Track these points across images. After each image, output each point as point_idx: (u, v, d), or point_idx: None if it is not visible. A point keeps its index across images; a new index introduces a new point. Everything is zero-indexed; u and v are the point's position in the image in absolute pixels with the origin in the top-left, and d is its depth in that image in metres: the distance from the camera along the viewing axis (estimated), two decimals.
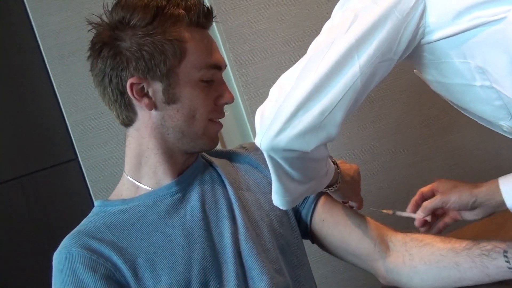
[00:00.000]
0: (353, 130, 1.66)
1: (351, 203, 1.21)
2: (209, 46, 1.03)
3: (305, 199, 1.12)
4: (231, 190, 1.07)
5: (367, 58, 0.84)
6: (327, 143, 0.91)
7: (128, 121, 1.04)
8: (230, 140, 1.63)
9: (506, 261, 0.88)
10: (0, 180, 1.51)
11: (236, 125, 1.64)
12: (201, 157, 1.13)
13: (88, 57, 1.03)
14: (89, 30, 1.02)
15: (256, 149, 1.18)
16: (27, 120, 1.54)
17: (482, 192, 1.02)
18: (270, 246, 1.03)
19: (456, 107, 1.03)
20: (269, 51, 1.62)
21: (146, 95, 0.99)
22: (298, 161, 0.90)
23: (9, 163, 1.52)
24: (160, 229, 0.99)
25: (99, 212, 1.04)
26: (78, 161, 1.52)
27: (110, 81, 1.00)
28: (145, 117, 1.01)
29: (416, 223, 1.07)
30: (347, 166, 1.16)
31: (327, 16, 0.93)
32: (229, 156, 1.18)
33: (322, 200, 1.12)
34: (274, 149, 0.87)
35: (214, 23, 1.58)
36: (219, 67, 1.04)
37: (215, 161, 1.14)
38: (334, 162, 1.11)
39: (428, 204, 1.06)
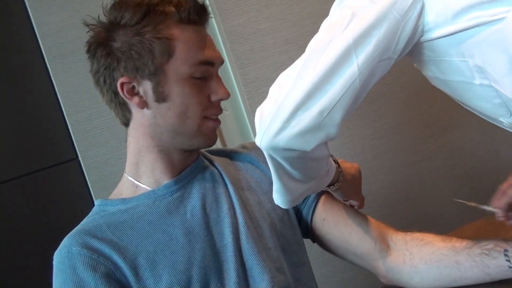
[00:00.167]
0: (353, 129, 1.66)
1: (352, 202, 1.21)
2: (200, 42, 1.01)
3: (306, 198, 1.12)
4: (232, 189, 1.07)
5: (365, 57, 0.84)
6: (327, 142, 0.91)
7: (126, 120, 1.05)
8: (230, 139, 1.63)
9: (507, 260, 0.88)
10: (0, 179, 1.51)
11: (237, 124, 1.64)
12: (201, 156, 1.13)
13: (88, 58, 1.04)
14: (87, 32, 1.03)
15: (256, 148, 1.17)
16: (27, 120, 1.54)
17: None
18: (271, 245, 1.03)
19: (457, 101, 1.03)
20: (270, 50, 1.62)
21: (137, 94, 1.00)
22: (299, 160, 0.90)
23: (9, 163, 1.52)
24: (160, 228, 0.99)
25: (99, 212, 1.04)
26: (79, 161, 1.52)
27: (104, 81, 1.01)
28: (139, 116, 1.02)
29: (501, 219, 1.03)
30: (348, 165, 1.16)
31: (327, 15, 0.93)
32: (230, 155, 1.18)
33: (322, 199, 1.12)
34: (274, 148, 0.87)
35: (214, 21, 1.60)
36: (211, 63, 1.02)
37: (216, 159, 1.14)
38: (335, 161, 1.11)
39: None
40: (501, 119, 0.95)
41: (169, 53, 0.98)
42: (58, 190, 1.53)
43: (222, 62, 1.05)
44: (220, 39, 1.61)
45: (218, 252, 0.99)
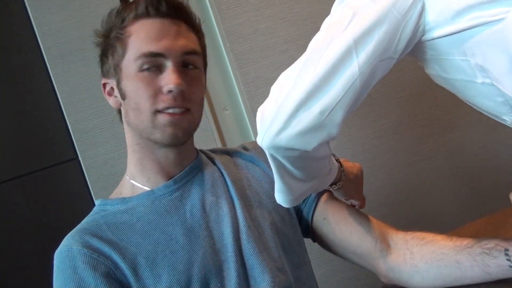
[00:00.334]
0: (354, 129, 1.66)
1: (353, 202, 1.21)
2: (152, 34, 1.00)
3: (307, 197, 1.12)
4: (233, 188, 1.07)
5: (366, 57, 0.84)
6: (329, 141, 0.91)
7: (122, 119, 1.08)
8: (230, 139, 1.63)
9: (508, 260, 0.87)
10: (0, 179, 1.51)
11: (236, 124, 1.64)
12: (202, 154, 1.13)
13: None
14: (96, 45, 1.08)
15: (257, 147, 1.18)
16: (27, 120, 1.54)
17: None
18: (272, 245, 1.03)
19: (461, 99, 1.03)
20: (270, 50, 1.62)
21: (113, 94, 1.05)
22: (300, 160, 0.90)
23: (9, 163, 1.52)
24: (160, 228, 0.99)
25: (100, 211, 1.04)
26: (79, 161, 1.52)
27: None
28: (122, 115, 1.07)
29: None
30: (350, 164, 1.17)
31: (327, 15, 0.93)
32: (231, 154, 1.18)
33: (323, 198, 1.12)
34: (275, 148, 0.87)
35: (214, 21, 1.60)
36: (160, 54, 0.99)
37: (217, 158, 1.14)
38: (338, 160, 1.11)
39: None
40: (504, 117, 0.95)
41: (124, 50, 1.01)
42: (58, 190, 1.53)
43: (183, 52, 1.01)
44: (220, 39, 1.61)
45: (218, 252, 0.99)
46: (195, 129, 1.06)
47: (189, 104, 1.01)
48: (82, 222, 1.03)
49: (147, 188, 1.04)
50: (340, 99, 0.84)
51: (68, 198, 1.53)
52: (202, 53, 1.08)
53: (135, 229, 0.98)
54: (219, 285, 0.96)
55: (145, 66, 0.99)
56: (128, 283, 0.93)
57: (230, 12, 1.60)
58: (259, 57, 1.61)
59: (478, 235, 0.96)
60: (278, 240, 1.05)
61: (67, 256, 0.94)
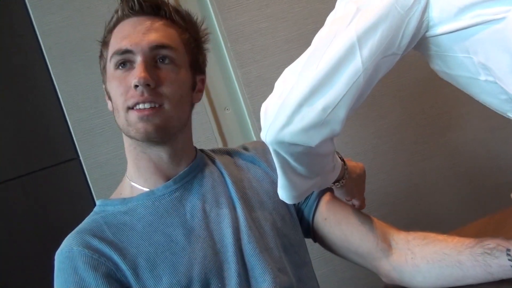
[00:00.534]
0: (354, 128, 1.66)
1: (354, 202, 1.20)
2: (123, 32, 1.02)
3: (307, 197, 1.12)
4: (233, 188, 1.06)
5: (369, 54, 0.84)
6: (333, 138, 0.91)
7: None
8: (231, 138, 1.63)
9: (509, 260, 0.87)
10: (1, 179, 1.51)
11: (238, 123, 1.64)
12: (203, 154, 1.13)
13: None
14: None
15: (257, 147, 1.18)
16: (28, 119, 1.54)
17: None
18: (273, 245, 1.03)
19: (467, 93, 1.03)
20: (271, 49, 1.62)
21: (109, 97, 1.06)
22: (304, 155, 0.90)
23: (10, 163, 1.52)
24: (160, 229, 0.99)
25: (100, 212, 1.04)
26: (79, 160, 1.52)
27: None
28: None
29: None
30: (354, 164, 1.17)
31: (328, 14, 0.93)
32: (232, 154, 1.18)
33: (324, 198, 1.12)
34: (279, 143, 0.88)
35: (214, 21, 1.60)
36: (128, 50, 0.99)
37: (218, 158, 1.14)
38: (341, 158, 1.11)
39: None
40: (509, 114, 0.95)
41: (107, 53, 1.04)
42: (58, 190, 1.53)
43: (151, 46, 0.99)
44: (221, 38, 1.61)
45: (219, 253, 0.99)
46: (176, 127, 1.02)
47: (161, 100, 0.99)
48: (83, 222, 1.03)
49: (145, 189, 1.04)
50: (344, 95, 0.84)
51: (69, 198, 1.53)
52: (187, 48, 1.06)
53: (135, 230, 0.98)
54: (219, 285, 0.95)
55: (117, 64, 1.00)
56: (128, 284, 0.93)
57: (231, 12, 1.60)
58: (260, 56, 1.61)
59: (479, 235, 0.96)
60: (279, 241, 1.05)
61: (68, 256, 0.94)
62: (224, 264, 0.98)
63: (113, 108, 1.04)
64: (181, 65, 1.03)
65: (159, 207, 1.01)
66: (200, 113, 1.55)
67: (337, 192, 1.16)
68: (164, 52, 1.01)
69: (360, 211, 1.12)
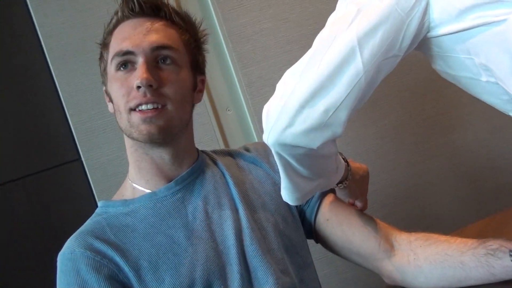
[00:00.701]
0: (356, 129, 1.66)
1: (357, 203, 1.20)
2: (124, 33, 1.02)
3: (309, 198, 1.11)
4: (235, 190, 1.06)
5: (370, 55, 0.84)
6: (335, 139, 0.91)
7: None
8: (233, 139, 1.62)
9: None
10: (3, 180, 1.51)
11: (239, 124, 1.63)
12: (205, 155, 1.13)
13: None
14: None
15: (259, 148, 1.18)
16: (29, 120, 1.54)
17: None
18: (275, 246, 1.03)
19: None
20: (272, 50, 1.62)
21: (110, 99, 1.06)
22: (306, 157, 0.90)
23: (11, 164, 1.52)
24: (162, 230, 0.99)
25: (102, 213, 1.04)
26: (81, 161, 1.52)
27: None
28: None
29: None
30: (357, 165, 1.17)
31: (329, 15, 0.93)
32: (234, 155, 1.18)
33: (326, 199, 1.12)
34: (280, 145, 0.88)
35: (216, 22, 1.60)
36: (130, 51, 0.99)
37: (220, 159, 1.14)
38: (345, 159, 1.11)
39: None
40: (511, 114, 0.95)
41: (107, 55, 1.04)
42: (60, 191, 1.53)
43: (153, 47, 1.00)
44: (223, 39, 1.61)
45: (221, 254, 0.98)
46: (178, 127, 1.02)
47: (164, 100, 0.99)
48: (85, 224, 1.03)
49: (147, 190, 1.04)
50: (345, 97, 0.84)
51: (71, 199, 1.53)
52: (187, 48, 1.06)
53: (137, 232, 0.98)
54: (222, 287, 0.95)
55: (118, 65, 1.00)
56: (131, 285, 0.93)
57: (232, 13, 1.60)
58: (262, 57, 1.61)
59: (481, 235, 0.96)
60: (281, 242, 1.05)
61: (70, 258, 0.94)
62: (227, 265, 0.98)
63: (114, 110, 1.04)
64: (182, 66, 1.04)
65: (161, 208, 1.01)
66: (202, 114, 1.55)
67: (340, 193, 1.16)
68: (165, 52, 1.01)
69: (362, 212, 1.12)
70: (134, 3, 1.02)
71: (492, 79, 0.87)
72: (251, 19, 1.61)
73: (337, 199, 1.13)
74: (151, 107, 0.97)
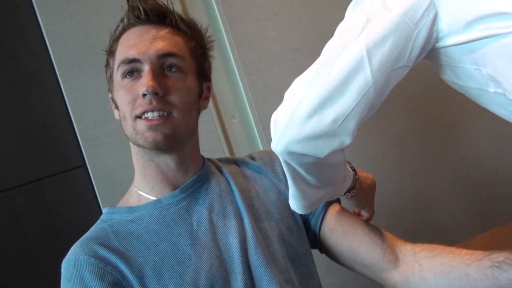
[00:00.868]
0: (362, 138, 1.66)
1: (363, 213, 1.20)
2: (130, 41, 1.02)
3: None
4: (240, 199, 1.06)
5: (379, 66, 0.84)
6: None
7: None
8: (238, 147, 1.63)
9: None
10: (8, 186, 1.51)
11: (245, 132, 1.64)
12: (210, 163, 1.13)
13: None
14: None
15: (264, 158, 1.18)
16: (35, 126, 1.54)
17: None
18: (279, 256, 1.03)
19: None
20: (278, 58, 1.62)
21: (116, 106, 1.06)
22: (314, 166, 0.90)
23: (17, 169, 1.52)
24: (166, 238, 0.98)
25: (107, 220, 1.04)
26: (86, 168, 1.52)
27: None
28: None
29: None
30: (365, 175, 1.17)
31: (336, 23, 0.93)
32: (239, 163, 1.18)
33: (331, 209, 1.12)
34: (289, 153, 0.88)
35: (223, 30, 1.60)
36: (136, 59, 0.99)
37: (225, 168, 1.13)
38: (353, 168, 1.11)
39: None
40: None
41: (113, 62, 1.04)
42: (65, 197, 1.53)
43: (159, 55, 1.00)
44: (229, 47, 1.62)
45: (225, 263, 0.98)
46: (184, 135, 1.02)
47: (170, 108, 0.99)
48: (90, 230, 1.03)
49: (152, 198, 1.04)
50: (354, 107, 0.83)
51: (76, 205, 1.53)
52: (193, 55, 1.06)
53: (142, 239, 0.98)
54: None
55: (124, 73, 1.00)
56: None
57: (239, 21, 1.61)
58: (268, 65, 1.61)
59: (487, 247, 0.96)
60: (286, 252, 1.05)
61: (74, 265, 0.94)
62: (231, 274, 0.97)
63: (120, 117, 1.04)
64: (188, 73, 1.04)
65: (166, 216, 1.01)
66: (207, 122, 1.55)
67: (347, 202, 1.16)
68: (171, 60, 1.01)
69: (367, 222, 1.11)
70: (140, 10, 1.02)
71: (500, 90, 0.87)
72: (257, 27, 1.62)
73: (342, 208, 1.13)
74: (157, 115, 0.97)
